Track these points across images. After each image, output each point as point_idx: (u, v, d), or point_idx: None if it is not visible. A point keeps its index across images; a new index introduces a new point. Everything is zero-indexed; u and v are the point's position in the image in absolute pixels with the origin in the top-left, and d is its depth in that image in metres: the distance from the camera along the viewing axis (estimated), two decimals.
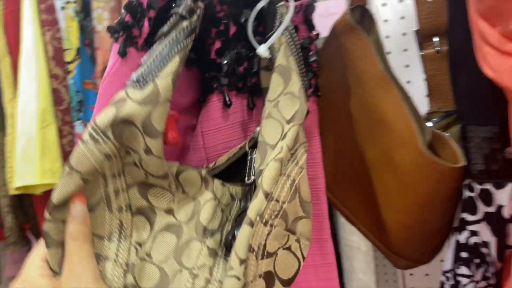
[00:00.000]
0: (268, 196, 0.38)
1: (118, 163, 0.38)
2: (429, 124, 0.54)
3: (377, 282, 1.08)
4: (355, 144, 0.57)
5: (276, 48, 0.44)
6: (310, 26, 0.52)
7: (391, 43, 0.88)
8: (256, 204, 0.38)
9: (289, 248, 0.39)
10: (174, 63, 0.39)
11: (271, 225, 0.38)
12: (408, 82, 0.88)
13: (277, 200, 0.38)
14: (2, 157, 1.19)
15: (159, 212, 0.41)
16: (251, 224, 0.37)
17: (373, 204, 0.56)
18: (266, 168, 0.39)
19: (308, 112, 0.52)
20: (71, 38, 1.15)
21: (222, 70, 0.49)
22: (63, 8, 1.14)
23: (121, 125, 0.36)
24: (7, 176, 1.17)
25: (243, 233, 0.37)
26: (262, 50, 0.45)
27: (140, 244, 0.39)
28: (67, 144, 1.18)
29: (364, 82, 0.52)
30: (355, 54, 0.53)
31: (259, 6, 0.46)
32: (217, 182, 0.43)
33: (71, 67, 1.15)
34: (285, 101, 0.42)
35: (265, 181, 0.38)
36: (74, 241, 0.36)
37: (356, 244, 1.04)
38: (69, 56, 1.15)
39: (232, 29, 0.50)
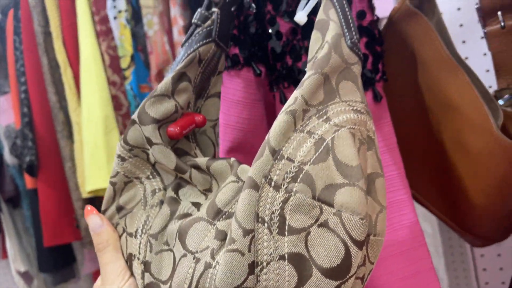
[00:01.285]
0: (275, 153, 0.31)
1: (146, 164, 0.41)
2: (500, 102, 0.53)
3: (446, 265, 1.07)
4: (423, 130, 0.56)
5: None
6: (373, 10, 0.52)
7: (445, 20, 0.86)
8: (260, 163, 0.31)
9: (325, 225, 0.30)
10: (180, 64, 0.41)
11: (288, 191, 0.31)
12: (466, 58, 0.85)
13: (290, 159, 0.31)
14: (72, 163, 1.27)
15: (184, 203, 0.39)
16: (255, 186, 0.31)
17: (446, 187, 0.56)
18: (275, 121, 0.33)
19: (381, 97, 0.52)
20: (125, 45, 1.20)
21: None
22: (115, 17, 1.19)
23: (129, 126, 0.40)
24: (79, 180, 1.26)
25: (244, 198, 0.31)
26: (299, 16, 0.43)
27: (156, 236, 0.38)
28: None
29: (429, 67, 0.52)
30: (417, 39, 0.52)
31: None
32: (244, 166, 0.36)
33: (127, 73, 1.21)
34: (321, 52, 0.36)
35: (272, 136, 0.32)
36: (97, 252, 0.40)
37: (422, 227, 1.03)
38: (124, 63, 1.21)
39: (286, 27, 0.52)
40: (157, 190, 0.40)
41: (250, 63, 0.53)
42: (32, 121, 1.29)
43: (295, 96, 0.33)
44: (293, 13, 0.50)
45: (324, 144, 0.32)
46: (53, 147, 1.28)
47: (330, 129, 0.32)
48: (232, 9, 0.47)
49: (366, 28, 0.52)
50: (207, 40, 0.44)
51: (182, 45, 0.45)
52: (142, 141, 0.40)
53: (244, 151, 0.54)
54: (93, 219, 0.40)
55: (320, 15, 0.38)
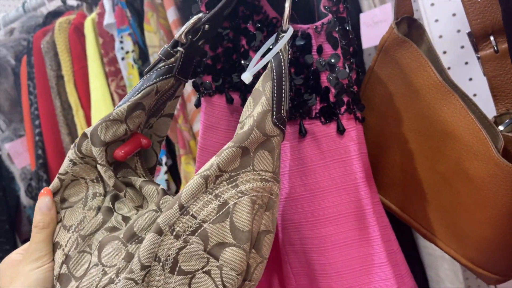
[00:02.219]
0: (183, 208, 0.38)
1: (93, 170, 0.46)
2: (500, 127, 0.51)
3: None
4: (423, 159, 0.55)
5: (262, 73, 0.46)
6: (335, 44, 0.53)
7: (445, 42, 0.85)
8: (168, 214, 0.38)
9: (208, 273, 0.38)
10: (138, 95, 0.45)
11: (185, 241, 0.38)
12: (470, 79, 0.84)
13: (193, 216, 0.38)
14: None
15: (116, 215, 0.45)
16: (159, 232, 0.38)
17: (451, 220, 0.54)
18: (189, 182, 0.39)
19: (344, 130, 0.53)
20: (134, 84, 1.23)
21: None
22: (123, 58, 1.23)
23: (82, 138, 0.45)
24: None
25: (148, 240, 0.38)
26: (245, 76, 0.47)
27: (84, 238, 0.44)
28: None
29: (423, 95, 0.51)
30: (408, 67, 0.52)
31: (268, 44, 0.50)
32: (168, 197, 0.42)
33: None
34: (247, 123, 0.42)
35: (183, 194, 0.39)
36: (35, 227, 0.44)
37: (439, 252, 0.99)
38: None
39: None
40: (97, 194, 0.46)
41: (223, 91, 0.54)
42: (47, 162, 1.32)
43: (212, 163, 0.40)
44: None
45: (226, 207, 0.39)
46: None
47: (235, 195, 0.39)
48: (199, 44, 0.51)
49: (326, 62, 0.53)
50: (167, 76, 0.48)
51: (145, 74, 0.48)
52: (92, 153, 0.45)
53: None
54: (46, 200, 0.45)
55: (258, 84, 0.44)
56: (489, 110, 0.53)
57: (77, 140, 0.45)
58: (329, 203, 0.53)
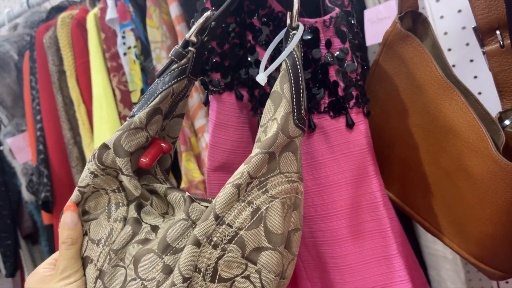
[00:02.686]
0: (218, 219, 0.39)
1: (114, 180, 0.46)
2: (507, 122, 0.50)
3: None
4: (425, 154, 0.54)
5: (276, 75, 0.46)
6: (343, 38, 0.52)
7: (451, 39, 0.84)
8: (204, 226, 0.39)
9: (247, 277, 0.39)
10: (156, 100, 0.45)
11: (223, 249, 0.39)
12: (475, 77, 0.83)
13: (229, 225, 0.39)
14: None
15: (145, 226, 0.45)
16: (197, 244, 0.39)
17: (454, 215, 0.53)
18: (221, 191, 0.40)
19: (353, 124, 0.52)
20: (135, 80, 1.22)
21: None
22: (125, 54, 1.22)
23: (103, 149, 0.44)
24: None
25: (187, 252, 0.38)
26: (260, 78, 0.47)
27: (117, 252, 0.44)
28: None
29: (426, 90, 0.50)
30: (412, 62, 0.51)
31: (277, 40, 0.50)
32: (195, 205, 0.43)
33: None
34: (270, 126, 0.43)
35: (217, 204, 0.39)
36: (63, 243, 0.43)
37: (441, 253, 0.98)
38: (135, 97, 1.22)
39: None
40: (120, 204, 0.46)
41: (232, 88, 0.54)
42: (48, 157, 1.31)
43: (242, 171, 0.40)
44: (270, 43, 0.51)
45: (259, 213, 0.40)
46: (68, 182, 1.30)
47: (266, 200, 0.40)
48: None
49: (335, 56, 0.52)
50: (181, 77, 0.47)
51: (157, 77, 0.48)
52: (115, 163, 0.45)
53: (230, 170, 0.55)
54: (71, 215, 0.44)
55: (276, 87, 0.44)
56: (494, 107, 0.52)
57: (96, 152, 0.45)
58: (339, 197, 0.53)
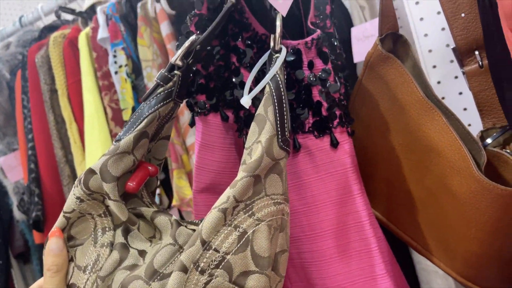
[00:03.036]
0: (205, 244, 0.39)
1: (100, 205, 0.45)
2: (488, 140, 0.51)
3: None
4: (409, 172, 0.54)
5: (261, 97, 0.46)
6: (325, 59, 0.53)
7: (435, 56, 0.85)
8: (191, 251, 0.39)
9: None
10: (142, 124, 0.45)
11: (210, 275, 0.39)
12: (460, 93, 0.84)
13: (216, 250, 0.39)
14: None
15: (132, 251, 0.45)
16: (184, 270, 0.38)
17: (439, 234, 0.53)
18: (207, 216, 0.40)
19: (337, 143, 0.53)
20: (127, 98, 1.23)
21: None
22: (116, 72, 1.23)
23: (89, 174, 0.44)
24: None
25: (174, 279, 0.38)
26: (244, 101, 0.47)
27: (104, 279, 0.43)
28: None
29: (408, 111, 0.51)
30: (393, 83, 0.52)
31: (260, 62, 0.51)
32: (182, 229, 0.43)
33: None
34: (255, 149, 0.43)
35: (204, 229, 0.39)
36: (48, 271, 0.42)
37: (432, 268, 0.98)
38: (126, 115, 1.23)
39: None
40: (107, 229, 0.46)
41: (217, 109, 0.54)
42: (39, 176, 1.31)
43: (228, 195, 0.40)
44: (254, 65, 0.51)
45: (245, 236, 0.40)
46: (59, 201, 1.29)
47: (253, 223, 0.40)
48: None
49: (317, 77, 0.53)
50: (168, 101, 0.47)
51: (143, 100, 0.48)
52: (101, 189, 0.44)
53: (217, 191, 0.55)
54: (57, 241, 0.44)
55: (260, 110, 0.45)
56: (479, 123, 0.53)
57: (82, 177, 0.44)
58: (326, 216, 0.53)
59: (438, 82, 0.84)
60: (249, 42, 0.54)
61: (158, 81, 0.48)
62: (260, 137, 0.43)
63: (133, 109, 1.23)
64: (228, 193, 0.41)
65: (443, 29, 0.83)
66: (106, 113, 1.26)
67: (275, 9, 0.50)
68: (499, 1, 0.36)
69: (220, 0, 0.53)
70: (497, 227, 0.47)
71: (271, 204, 0.42)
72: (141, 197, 0.49)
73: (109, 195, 0.43)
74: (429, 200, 0.53)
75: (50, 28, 1.50)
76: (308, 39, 0.53)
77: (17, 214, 1.43)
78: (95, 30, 1.28)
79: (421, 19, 0.84)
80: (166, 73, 0.48)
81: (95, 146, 1.22)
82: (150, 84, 1.21)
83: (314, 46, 0.53)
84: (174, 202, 1.15)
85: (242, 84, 0.54)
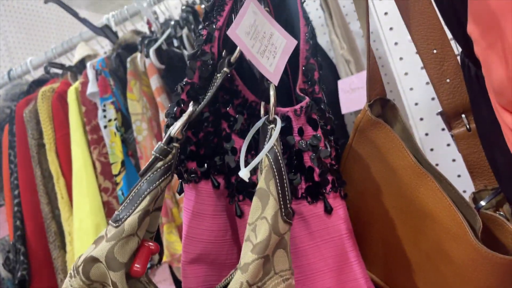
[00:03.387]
0: None
1: None
2: (482, 202, 0.51)
3: None
4: (405, 235, 0.54)
5: (261, 169, 0.46)
6: (315, 125, 0.54)
7: (422, 110, 0.87)
8: None
9: None
10: (145, 202, 0.44)
11: None
12: (448, 145, 0.85)
13: None
14: (64, 275, 1.23)
15: None
16: None
17: None
18: None
19: (331, 209, 0.53)
20: (116, 152, 1.22)
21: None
22: (105, 126, 1.23)
23: (90, 263, 0.42)
24: None
25: None
26: (243, 173, 0.47)
27: None
28: None
29: (400, 175, 0.51)
30: (384, 147, 0.52)
31: (253, 131, 0.51)
32: None
33: (118, 179, 1.21)
34: (260, 226, 0.42)
35: None
36: None
37: None
38: (115, 169, 1.22)
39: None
40: None
41: (209, 176, 0.54)
42: (25, 234, 1.27)
43: (241, 281, 0.40)
44: (246, 132, 0.51)
45: None
46: (45, 259, 1.25)
47: None
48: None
49: (308, 143, 0.53)
50: (168, 175, 0.47)
51: (141, 175, 0.47)
52: (104, 277, 0.42)
53: (207, 262, 0.53)
54: None
55: (261, 183, 0.44)
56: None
57: (80, 266, 0.42)
58: (322, 285, 0.52)
59: (426, 134, 0.85)
60: (240, 109, 0.55)
61: (156, 155, 0.47)
62: (264, 213, 0.43)
63: (123, 163, 1.22)
64: (241, 278, 0.40)
65: (427, 83, 0.85)
66: (95, 168, 1.24)
67: (267, 80, 0.51)
68: (487, 76, 0.37)
69: (212, 69, 0.54)
70: None
71: (281, 282, 0.42)
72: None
73: (117, 284, 0.41)
74: (427, 264, 0.52)
75: (39, 82, 1.50)
76: (297, 106, 0.53)
77: (3, 272, 1.37)
78: (84, 84, 1.28)
79: (406, 73, 0.86)
80: (165, 146, 0.47)
81: (83, 201, 1.20)
82: (139, 137, 1.20)
83: (304, 113, 0.53)
84: (164, 259, 1.12)
85: (233, 150, 0.54)
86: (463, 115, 0.52)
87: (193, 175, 0.54)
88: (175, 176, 1.22)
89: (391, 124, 0.54)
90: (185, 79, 0.54)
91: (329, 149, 0.53)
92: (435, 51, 0.51)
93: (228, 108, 0.55)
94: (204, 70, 0.53)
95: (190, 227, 0.54)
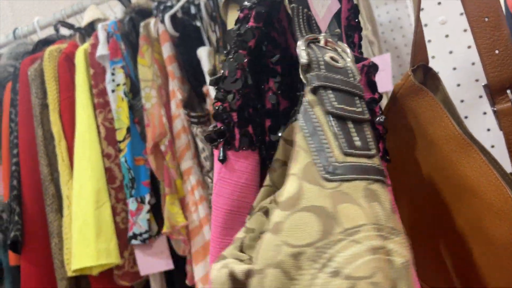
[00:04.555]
0: None
1: None
2: None
3: None
4: (435, 214, 0.51)
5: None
6: (373, 88, 0.50)
7: (463, 91, 0.85)
8: None
9: None
10: None
11: None
12: (488, 130, 0.83)
13: None
14: (59, 239, 1.20)
15: None
16: None
17: (467, 284, 0.50)
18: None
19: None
20: (122, 118, 1.19)
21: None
22: (113, 91, 1.19)
23: None
24: (65, 257, 1.18)
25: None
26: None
27: None
28: (121, 222, 1.19)
29: (440, 147, 0.48)
30: (424, 117, 0.49)
31: None
32: None
33: (122, 145, 1.18)
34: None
35: None
36: None
37: None
38: (120, 135, 1.19)
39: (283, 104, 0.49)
40: None
41: (263, 142, 0.50)
42: (21, 194, 1.24)
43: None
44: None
45: None
46: (41, 222, 1.22)
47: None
48: None
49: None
50: None
51: None
52: None
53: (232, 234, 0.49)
54: None
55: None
56: (506, 163, 0.51)
57: None
58: None
59: (466, 117, 0.83)
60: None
61: None
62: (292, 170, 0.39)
63: (128, 129, 1.18)
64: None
65: (473, 63, 0.83)
66: (99, 132, 1.21)
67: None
68: None
69: None
70: None
71: (349, 243, 0.36)
72: None
73: None
74: (458, 245, 0.50)
75: (45, 42, 1.46)
76: (359, 64, 0.50)
77: None
78: (94, 46, 1.24)
79: (450, 52, 0.84)
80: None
81: (84, 165, 1.17)
82: (148, 104, 1.17)
83: (364, 73, 0.49)
84: (164, 229, 1.10)
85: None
86: (508, 91, 0.50)
87: (248, 141, 0.48)
88: (181, 146, 1.18)
89: (432, 93, 0.51)
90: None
91: (383, 116, 0.50)
92: (486, 19, 0.49)
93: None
94: None
95: (237, 201, 0.47)
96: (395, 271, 0.31)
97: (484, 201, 0.45)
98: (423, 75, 0.53)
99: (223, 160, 0.47)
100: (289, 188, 0.34)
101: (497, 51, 0.49)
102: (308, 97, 0.41)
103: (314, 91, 0.40)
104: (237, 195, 0.46)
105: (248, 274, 0.33)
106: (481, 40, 0.49)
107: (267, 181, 0.46)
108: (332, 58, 0.43)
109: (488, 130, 0.83)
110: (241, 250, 0.41)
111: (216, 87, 0.46)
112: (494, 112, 0.51)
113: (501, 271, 0.45)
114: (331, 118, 0.38)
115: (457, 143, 0.47)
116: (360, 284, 0.27)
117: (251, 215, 0.45)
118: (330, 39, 0.46)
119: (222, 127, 0.47)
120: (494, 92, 0.50)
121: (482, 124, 0.83)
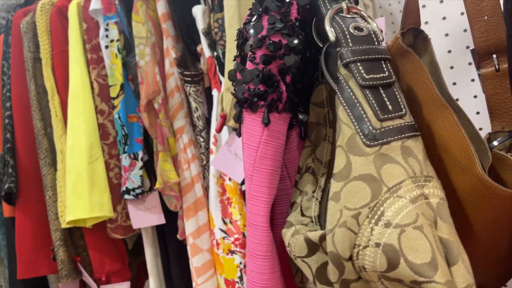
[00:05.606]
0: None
1: None
2: (494, 143, 0.52)
3: None
4: None
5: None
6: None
7: (454, 58, 0.86)
8: None
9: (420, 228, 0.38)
10: None
11: None
12: (475, 96, 0.85)
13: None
14: (53, 192, 1.22)
15: None
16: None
17: None
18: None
19: None
20: (116, 74, 1.19)
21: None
22: (107, 46, 1.19)
23: None
24: (59, 210, 1.21)
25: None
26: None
27: None
28: (114, 177, 1.21)
29: (421, 107, 0.51)
30: (409, 78, 0.51)
31: None
32: None
33: (116, 102, 1.19)
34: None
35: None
36: None
37: None
38: (114, 92, 1.19)
39: None
40: None
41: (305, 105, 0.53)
42: (15, 147, 1.25)
43: (339, 209, 0.39)
44: None
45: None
46: (35, 174, 1.24)
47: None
48: None
49: None
50: None
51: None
52: None
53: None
54: None
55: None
56: (489, 128, 0.54)
57: None
58: None
59: (454, 84, 0.85)
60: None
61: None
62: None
63: (122, 86, 1.19)
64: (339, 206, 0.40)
65: (465, 30, 0.85)
66: (92, 88, 1.21)
67: None
68: None
69: None
70: (491, 227, 0.48)
71: (395, 199, 0.40)
72: None
73: None
74: None
75: None
76: None
77: None
78: (87, 0, 1.23)
79: (444, 18, 0.85)
80: None
81: (78, 121, 1.18)
82: (141, 61, 1.17)
83: None
84: (157, 185, 1.12)
85: None
86: (494, 55, 0.52)
87: (290, 104, 0.49)
88: (175, 105, 1.19)
89: (420, 55, 0.53)
90: None
91: None
92: None
93: None
94: None
95: (275, 161, 0.48)
96: (433, 211, 0.39)
97: (453, 157, 0.48)
98: (413, 37, 0.54)
99: (267, 123, 0.47)
100: (340, 161, 0.40)
101: (485, 17, 0.51)
102: (342, 71, 0.44)
103: (346, 65, 0.44)
104: (278, 156, 0.48)
105: (322, 238, 0.41)
106: (471, 6, 0.51)
107: (306, 142, 0.50)
108: (356, 27, 0.46)
109: (475, 96, 0.85)
110: (302, 214, 0.46)
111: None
112: (479, 76, 0.53)
113: (464, 223, 0.49)
114: (365, 89, 0.43)
115: (434, 104, 0.49)
116: (407, 229, 0.36)
117: (300, 174, 0.49)
118: (351, 5, 0.48)
119: (268, 90, 0.47)
120: (480, 56, 0.52)
121: (470, 90, 0.85)
